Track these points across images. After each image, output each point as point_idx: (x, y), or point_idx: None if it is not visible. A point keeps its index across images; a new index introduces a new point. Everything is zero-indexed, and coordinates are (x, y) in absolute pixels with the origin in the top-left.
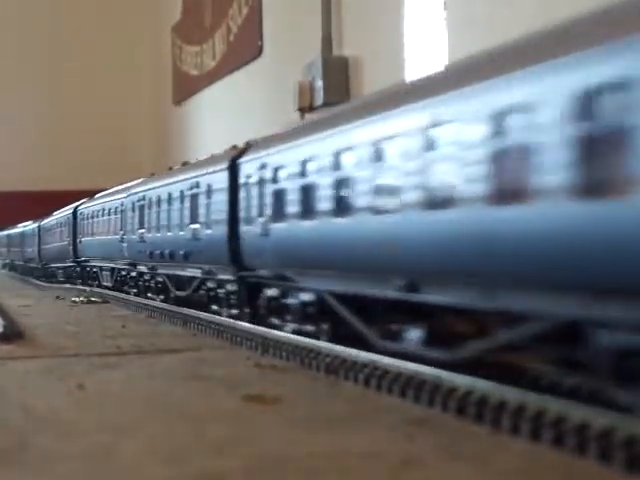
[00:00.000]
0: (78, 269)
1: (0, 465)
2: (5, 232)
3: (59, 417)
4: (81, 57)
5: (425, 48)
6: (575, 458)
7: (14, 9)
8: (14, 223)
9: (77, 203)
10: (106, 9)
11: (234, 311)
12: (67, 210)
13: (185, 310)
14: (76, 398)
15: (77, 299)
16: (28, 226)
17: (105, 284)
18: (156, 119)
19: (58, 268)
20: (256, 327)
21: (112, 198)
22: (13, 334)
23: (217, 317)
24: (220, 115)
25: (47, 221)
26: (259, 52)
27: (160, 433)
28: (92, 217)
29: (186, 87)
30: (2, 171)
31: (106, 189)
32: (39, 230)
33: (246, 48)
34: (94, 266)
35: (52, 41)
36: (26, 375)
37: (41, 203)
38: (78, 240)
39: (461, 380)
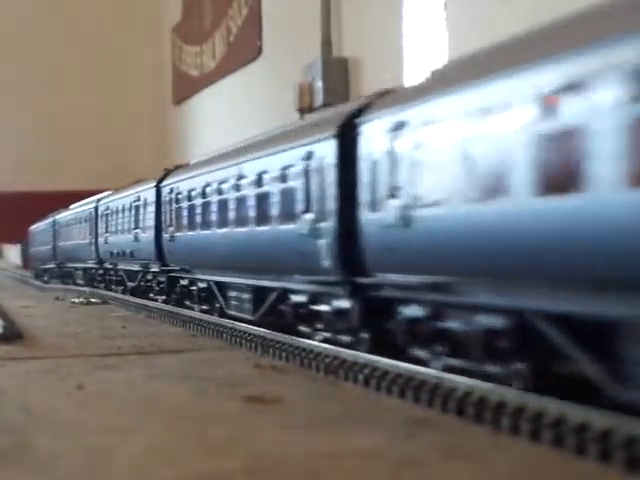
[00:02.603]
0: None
1: (0, 465)
2: (47, 221)
3: (59, 417)
4: (81, 57)
5: (425, 49)
6: (575, 458)
7: (13, 10)
8: (13, 224)
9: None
10: (106, 9)
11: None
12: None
13: (185, 311)
14: (76, 398)
15: (77, 300)
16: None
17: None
18: (156, 119)
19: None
20: (256, 328)
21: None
22: (13, 335)
23: (217, 318)
24: (220, 115)
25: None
26: (259, 53)
27: (160, 433)
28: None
29: (186, 87)
30: (2, 172)
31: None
32: (159, 196)
33: (246, 49)
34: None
35: (52, 41)
36: (26, 376)
37: (40, 204)
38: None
39: (461, 381)
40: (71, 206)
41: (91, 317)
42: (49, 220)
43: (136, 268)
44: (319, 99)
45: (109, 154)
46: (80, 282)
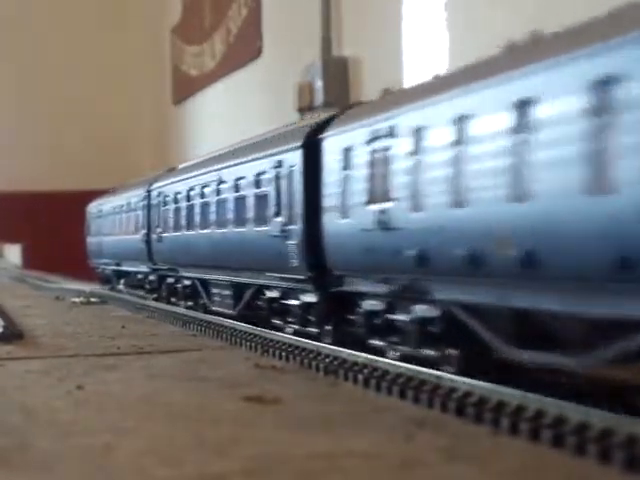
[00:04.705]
0: None
1: (0, 465)
2: (130, 192)
3: (59, 417)
4: (81, 57)
5: (425, 49)
6: (575, 458)
7: (13, 10)
8: (13, 224)
9: None
10: (106, 9)
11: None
12: None
13: (185, 311)
14: (75, 399)
15: (77, 300)
16: None
17: None
18: (156, 119)
19: None
20: (256, 328)
21: None
22: (13, 335)
23: (217, 318)
24: (219, 115)
25: None
26: (258, 53)
27: (160, 434)
28: None
29: (186, 87)
30: (2, 172)
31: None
32: None
33: (246, 49)
34: None
35: (52, 41)
36: (26, 376)
37: (40, 204)
38: None
39: (460, 381)
40: (181, 166)
41: (91, 317)
42: (136, 191)
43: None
44: (319, 99)
45: (109, 154)
46: (229, 311)
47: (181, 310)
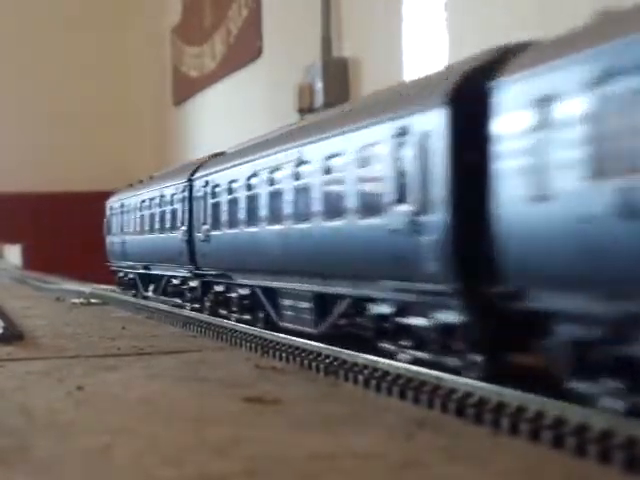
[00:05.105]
0: None
1: (0, 465)
2: (169, 182)
3: (59, 418)
4: (81, 57)
5: (425, 49)
6: (575, 459)
7: (13, 10)
8: (13, 224)
9: None
10: (107, 10)
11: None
12: None
13: (185, 312)
14: (76, 399)
15: (77, 300)
16: None
17: None
18: (156, 120)
19: None
20: (256, 329)
21: None
22: (13, 336)
23: (217, 319)
24: (220, 116)
25: None
26: (259, 53)
27: (160, 434)
28: None
29: (186, 88)
30: (2, 172)
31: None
32: None
33: (246, 49)
34: None
35: (52, 41)
36: (26, 376)
37: (40, 204)
38: None
39: (461, 382)
40: (231, 150)
41: (91, 318)
42: (172, 182)
43: None
44: (319, 100)
45: (109, 155)
46: (309, 329)
47: (181, 311)
